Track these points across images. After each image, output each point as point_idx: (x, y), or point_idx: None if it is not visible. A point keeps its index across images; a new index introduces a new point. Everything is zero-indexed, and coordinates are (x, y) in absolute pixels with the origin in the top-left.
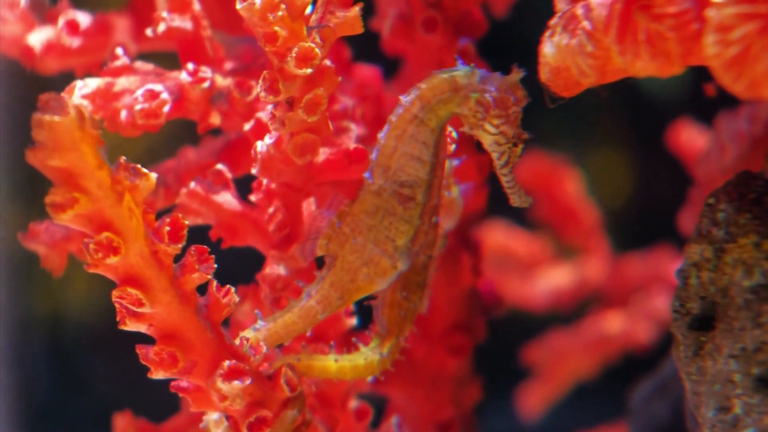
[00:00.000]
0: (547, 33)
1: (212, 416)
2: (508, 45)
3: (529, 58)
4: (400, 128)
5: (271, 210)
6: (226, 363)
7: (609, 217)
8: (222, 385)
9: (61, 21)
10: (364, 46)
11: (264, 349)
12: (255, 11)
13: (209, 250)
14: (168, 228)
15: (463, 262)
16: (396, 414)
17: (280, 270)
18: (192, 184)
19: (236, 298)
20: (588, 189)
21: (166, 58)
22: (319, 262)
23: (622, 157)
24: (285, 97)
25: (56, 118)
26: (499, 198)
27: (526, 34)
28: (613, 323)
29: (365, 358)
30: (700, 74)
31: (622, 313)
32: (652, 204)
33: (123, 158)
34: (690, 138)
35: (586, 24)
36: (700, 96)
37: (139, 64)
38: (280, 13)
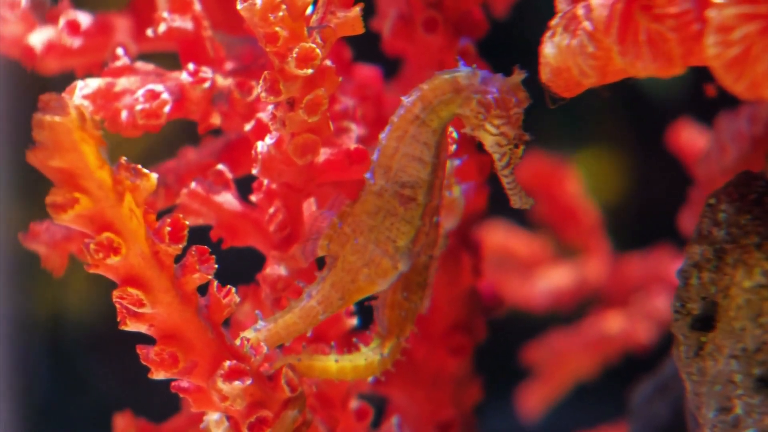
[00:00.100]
0: (548, 33)
1: (213, 416)
2: (509, 45)
3: (529, 58)
4: (401, 129)
5: (271, 210)
6: (227, 363)
7: (609, 217)
8: (223, 386)
9: (61, 21)
10: (364, 46)
11: (265, 349)
12: (256, 11)
13: (210, 250)
14: (169, 228)
15: (463, 263)
16: (396, 414)
17: (281, 270)
18: (192, 185)
19: (237, 299)
20: (588, 189)
21: (167, 59)
22: (320, 263)
23: (623, 157)
24: (286, 98)
25: (57, 119)
26: (499, 198)
27: (527, 34)
28: (613, 323)
29: (366, 358)
30: (701, 75)
31: (622, 313)
32: (652, 204)
33: (124, 158)
34: (690, 138)
35: (587, 24)
36: (701, 96)
37: (140, 65)
38: (280, 14)
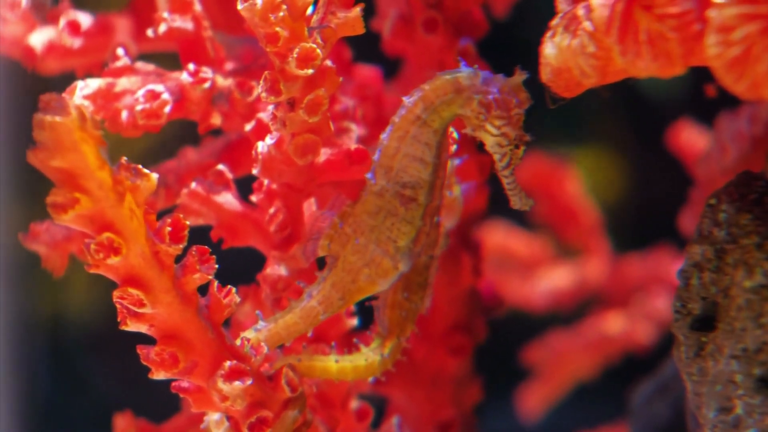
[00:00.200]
0: (549, 34)
1: (213, 417)
2: (509, 45)
3: (530, 58)
4: (402, 129)
5: (272, 210)
6: (227, 363)
7: (609, 218)
8: (223, 386)
9: (62, 21)
10: (364, 46)
11: (265, 349)
12: (256, 12)
13: (210, 250)
14: (169, 228)
15: (463, 263)
16: (396, 414)
17: (281, 270)
18: (193, 185)
19: (237, 299)
20: (588, 189)
21: (167, 59)
22: (321, 263)
23: (623, 158)
24: (286, 98)
25: (57, 119)
26: (499, 198)
27: (527, 34)
28: (614, 324)
29: (366, 358)
30: (701, 75)
31: (622, 314)
32: (652, 204)
33: (124, 158)
34: (690, 138)
35: (587, 24)
36: (701, 96)
37: (140, 65)
38: (281, 14)
